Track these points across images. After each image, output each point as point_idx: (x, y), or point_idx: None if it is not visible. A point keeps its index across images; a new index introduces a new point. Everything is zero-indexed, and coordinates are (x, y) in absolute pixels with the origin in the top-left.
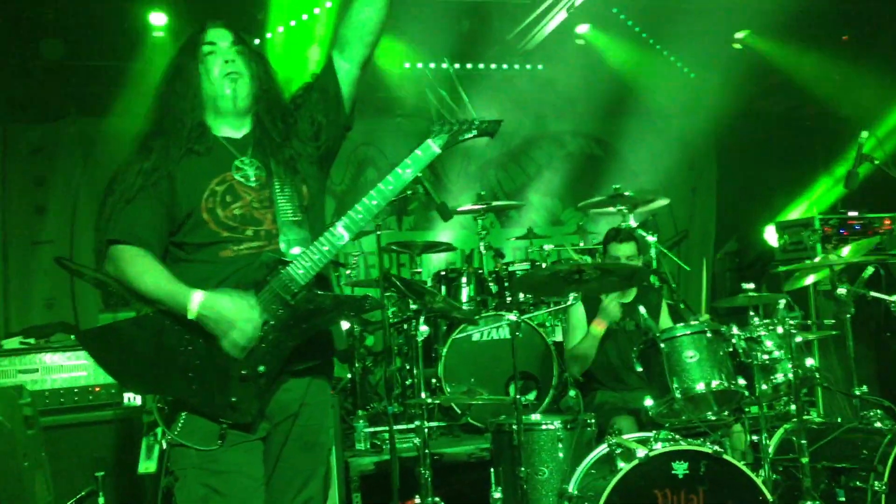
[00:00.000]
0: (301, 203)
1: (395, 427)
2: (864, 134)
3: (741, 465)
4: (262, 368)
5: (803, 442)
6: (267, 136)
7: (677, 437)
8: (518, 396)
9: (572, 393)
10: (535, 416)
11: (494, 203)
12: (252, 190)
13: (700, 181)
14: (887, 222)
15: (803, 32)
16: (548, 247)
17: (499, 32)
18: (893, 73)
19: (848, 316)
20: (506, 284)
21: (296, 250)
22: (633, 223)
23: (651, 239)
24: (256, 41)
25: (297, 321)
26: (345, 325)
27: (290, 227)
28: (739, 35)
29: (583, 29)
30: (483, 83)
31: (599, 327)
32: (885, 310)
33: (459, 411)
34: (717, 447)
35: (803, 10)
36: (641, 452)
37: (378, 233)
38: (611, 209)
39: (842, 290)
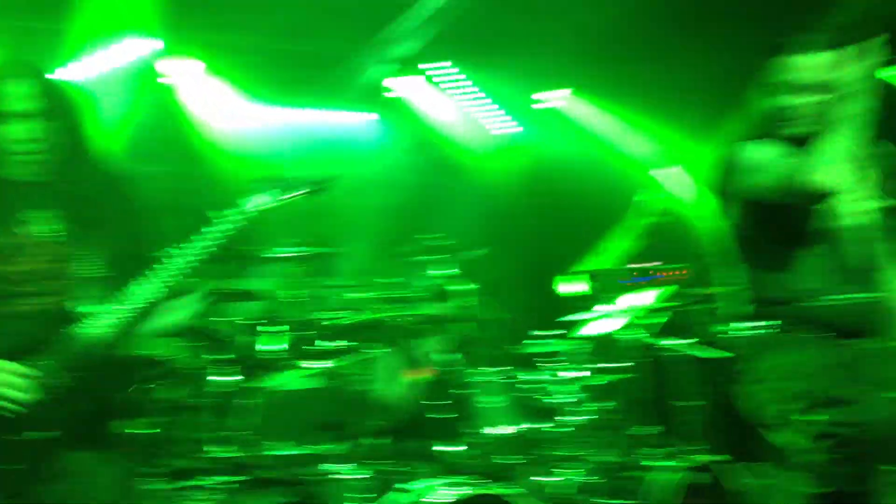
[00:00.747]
0: (105, 257)
1: (192, 482)
2: (651, 189)
3: None
4: (45, 434)
5: (591, 483)
6: (67, 185)
7: (472, 481)
8: (324, 446)
9: (382, 441)
10: (344, 466)
11: (311, 250)
12: (44, 244)
13: (514, 230)
14: (681, 272)
15: (610, 89)
16: (363, 295)
17: (318, 80)
18: (692, 129)
19: (644, 360)
20: (319, 332)
21: (93, 306)
22: (451, 272)
23: (469, 287)
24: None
25: (88, 383)
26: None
27: (90, 282)
28: (547, 94)
29: (394, 82)
30: (305, 131)
31: (418, 373)
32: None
33: (264, 464)
34: (510, 490)
35: (615, 73)
36: (435, 499)
37: (191, 280)
38: (429, 258)
39: (635, 336)
